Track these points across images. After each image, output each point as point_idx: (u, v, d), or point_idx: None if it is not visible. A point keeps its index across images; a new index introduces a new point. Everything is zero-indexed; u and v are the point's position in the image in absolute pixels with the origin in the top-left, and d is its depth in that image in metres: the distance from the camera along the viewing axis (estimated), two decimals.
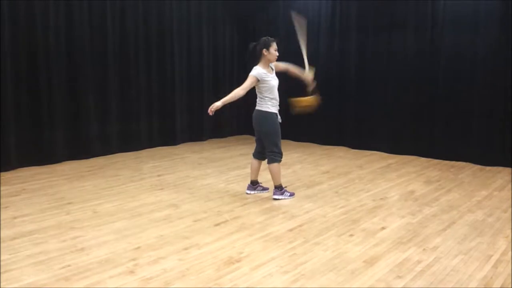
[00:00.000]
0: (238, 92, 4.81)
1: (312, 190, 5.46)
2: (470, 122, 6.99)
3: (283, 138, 5.11)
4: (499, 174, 6.31)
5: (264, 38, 4.96)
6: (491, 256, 3.60)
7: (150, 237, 3.89)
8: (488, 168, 6.68)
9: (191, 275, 3.20)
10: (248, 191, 5.28)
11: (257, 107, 4.99)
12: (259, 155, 5.17)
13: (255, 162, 5.22)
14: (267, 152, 5.02)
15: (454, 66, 7.08)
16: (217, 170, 6.39)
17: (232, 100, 4.83)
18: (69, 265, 3.32)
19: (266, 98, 4.92)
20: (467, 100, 6.99)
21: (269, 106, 4.94)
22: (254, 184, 5.29)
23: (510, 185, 5.75)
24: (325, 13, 8.37)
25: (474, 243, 3.85)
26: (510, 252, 3.67)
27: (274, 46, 4.93)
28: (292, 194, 5.14)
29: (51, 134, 6.53)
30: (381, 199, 5.13)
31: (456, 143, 7.13)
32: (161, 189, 5.41)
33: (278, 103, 5.01)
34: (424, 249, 3.71)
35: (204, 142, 8.80)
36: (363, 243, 3.82)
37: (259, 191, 5.28)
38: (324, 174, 6.20)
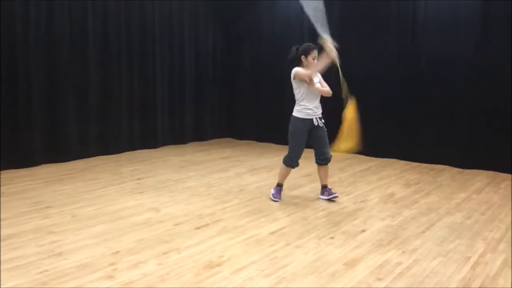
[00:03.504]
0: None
1: (293, 193, 5.47)
2: (450, 125, 7.06)
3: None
4: (477, 177, 6.39)
5: (306, 44, 4.88)
6: (470, 258, 3.64)
7: (130, 241, 3.86)
8: (467, 171, 6.77)
9: (171, 279, 3.18)
10: (320, 196, 5.20)
11: None
12: (317, 160, 5.06)
13: (318, 168, 5.13)
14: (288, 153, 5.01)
15: (433, 68, 7.14)
16: (198, 173, 6.36)
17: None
18: (47, 270, 3.27)
19: (300, 104, 4.90)
20: (446, 103, 7.05)
21: (297, 112, 4.92)
22: (323, 189, 5.19)
23: (488, 188, 5.84)
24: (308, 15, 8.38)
25: (452, 245, 3.90)
26: (488, 254, 3.73)
27: (313, 54, 4.83)
28: (277, 198, 5.11)
29: (30, 136, 6.43)
30: (362, 201, 5.16)
31: (435, 146, 7.19)
32: (142, 192, 5.37)
33: (314, 109, 4.91)
34: (403, 251, 3.74)
35: (186, 145, 8.76)
36: (343, 246, 3.84)
37: (326, 196, 5.14)
38: (306, 177, 6.22)
